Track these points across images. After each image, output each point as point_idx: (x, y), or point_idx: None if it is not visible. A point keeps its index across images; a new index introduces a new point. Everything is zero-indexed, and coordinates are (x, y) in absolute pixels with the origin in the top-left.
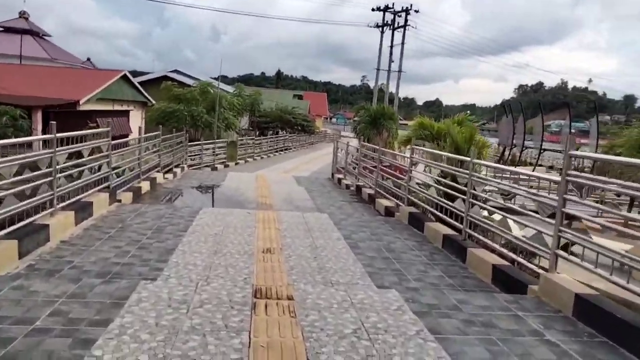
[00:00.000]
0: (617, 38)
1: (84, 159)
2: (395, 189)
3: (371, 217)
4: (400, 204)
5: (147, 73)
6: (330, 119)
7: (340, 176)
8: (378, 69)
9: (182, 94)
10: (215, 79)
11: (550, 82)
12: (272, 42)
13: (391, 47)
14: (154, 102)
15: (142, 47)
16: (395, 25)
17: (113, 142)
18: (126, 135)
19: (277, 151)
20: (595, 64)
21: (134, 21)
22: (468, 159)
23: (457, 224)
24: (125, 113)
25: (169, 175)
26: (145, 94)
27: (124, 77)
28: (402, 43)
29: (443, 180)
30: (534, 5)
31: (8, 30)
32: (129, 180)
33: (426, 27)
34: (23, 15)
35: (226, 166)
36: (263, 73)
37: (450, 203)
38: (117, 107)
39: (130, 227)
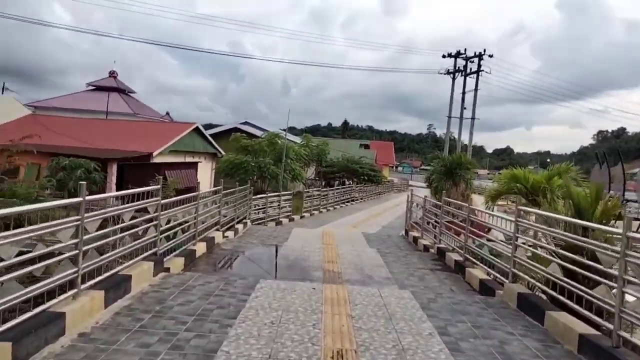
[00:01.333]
0: None
1: (123, 224)
2: (492, 258)
3: (466, 296)
4: (502, 278)
5: (221, 125)
6: (396, 167)
7: (416, 234)
8: (450, 117)
9: (250, 145)
10: (283, 130)
11: (634, 127)
12: (339, 93)
13: (463, 93)
14: (224, 153)
15: (218, 102)
16: (468, 71)
17: (164, 201)
18: (193, 188)
19: (343, 202)
20: None
21: (212, 78)
22: (616, 230)
23: (599, 320)
24: (194, 165)
25: (230, 233)
26: (216, 146)
27: (196, 130)
28: (475, 89)
29: (571, 255)
30: (611, 47)
31: (98, 88)
32: (184, 242)
33: (496, 72)
34: (112, 74)
35: (291, 220)
36: (330, 124)
37: (585, 289)
38: (189, 159)
39: (169, 310)
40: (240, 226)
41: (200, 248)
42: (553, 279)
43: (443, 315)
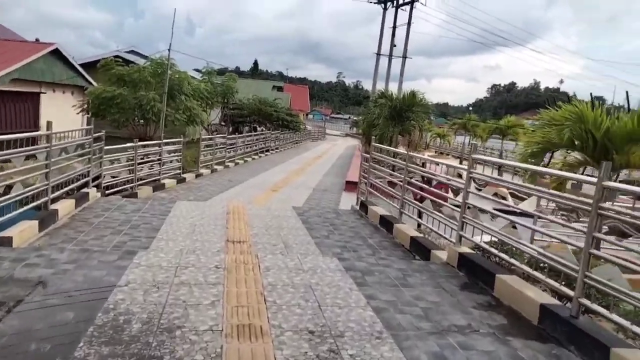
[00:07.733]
0: (586, 41)
1: None
2: None
3: None
4: None
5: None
6: (307, 115)
7: (383, 212)
8: (379, 54)
9: (127, 73)
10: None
11: (523, 82)
12: (249, 37)
13: (394, 27)
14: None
15: (115, 39)
16: (400, 2)
17: None
18: (29, 131)
19: (256, 153)
20: (566, 66)
21: (106, 12)
22: None
23: None
24: (32, 97)
25: (29, 226)
26: (87, 76)
27: (56, 54)
28: (409, 23)
29: None
30: (506, 6)
31: None
32: None
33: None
34: None
35: (181, 181)
36: (238, 68)
37: None
38: (48, 91)
39: None
40: (66, 204)
41: None
42: None
43: None
